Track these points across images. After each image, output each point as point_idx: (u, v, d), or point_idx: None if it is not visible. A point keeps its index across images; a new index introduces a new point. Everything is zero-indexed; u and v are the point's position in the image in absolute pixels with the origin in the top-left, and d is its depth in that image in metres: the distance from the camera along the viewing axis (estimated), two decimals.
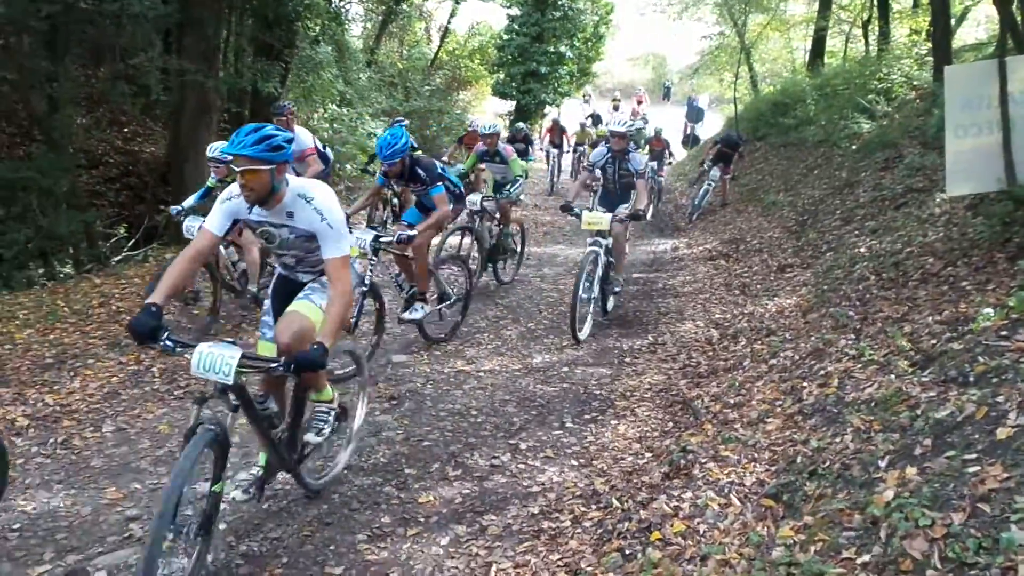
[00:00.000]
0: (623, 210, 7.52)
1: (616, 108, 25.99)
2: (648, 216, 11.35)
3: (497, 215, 8.85)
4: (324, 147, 8.65)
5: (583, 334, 7.27)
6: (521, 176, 8.68)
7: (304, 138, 7.87)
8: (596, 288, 7.26)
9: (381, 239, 6.00)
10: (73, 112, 10.70)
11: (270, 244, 3.79)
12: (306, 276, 4.02)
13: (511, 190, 8.56)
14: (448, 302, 7.05)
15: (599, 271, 7.25)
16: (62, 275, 8.98)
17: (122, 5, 9.24)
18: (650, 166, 14.40)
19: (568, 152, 20.21)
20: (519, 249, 9.64)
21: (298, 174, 7.78)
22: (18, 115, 10.67)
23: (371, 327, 6.50)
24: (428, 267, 6.63)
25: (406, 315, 6.61)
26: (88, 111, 12.07)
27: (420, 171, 6.35)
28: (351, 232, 5.09)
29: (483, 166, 9.49)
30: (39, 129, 9.89)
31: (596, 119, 23.36)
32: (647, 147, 15.73)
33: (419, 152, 8.04)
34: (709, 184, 14.09)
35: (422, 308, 6.62)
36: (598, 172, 8.07)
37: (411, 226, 6.46)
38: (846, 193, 9.92)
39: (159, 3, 9.76)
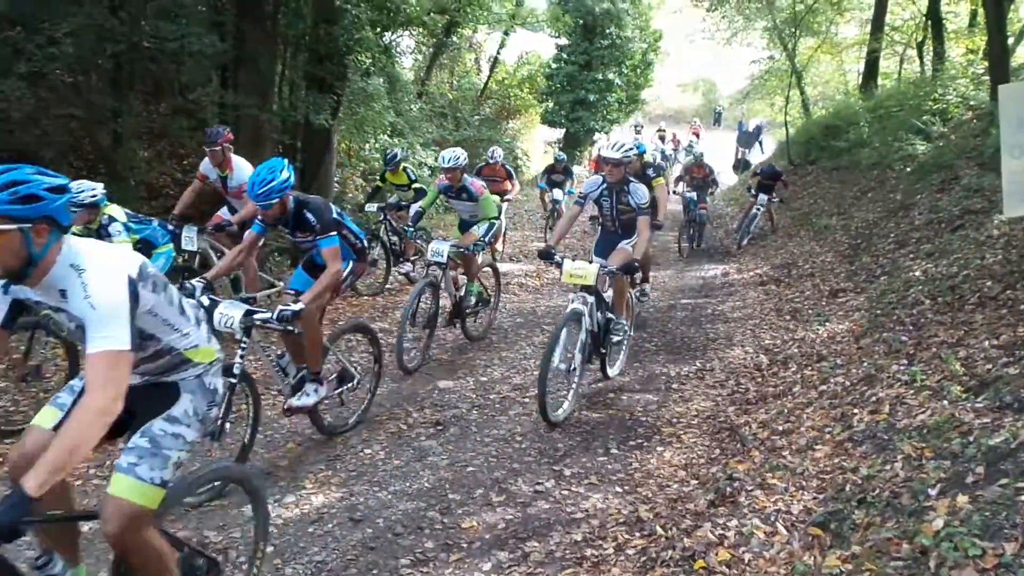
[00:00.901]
0: (615, 259, 6.28)
1: (662, 139, 25.48)
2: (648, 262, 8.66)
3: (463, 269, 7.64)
4: None
5: (560, 413, 5.75)
6: (495, 218, 7.50)
7: (245, 172, 6.74)
8: (580, 356, 5.82)
9: (255, 315, 4.52)
10: (136, 146, 11.13)
11: (66, 337, 3.14)
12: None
13: (479, 241, 7.30)
14: (350, 383, 5.53)
15: (583, 335, 5.81)
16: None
17: (182, 43, 9.64)
18: (689, 197, 14.19)
19: None
20: (493, 299, 8.40)
21: (232, 209, 7.32)
22: (84, 149, 11.13)
23: (246, 429, 4.83)
24: (322, 342, 5.23)
25: (295, 401, 5.08)
26: (149, 145, 12.51)
27: (309, 216, 4.93)
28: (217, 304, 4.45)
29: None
30: (104, 162, 10.30)
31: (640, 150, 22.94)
32: (688, 175, 14.73)
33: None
34: (757, 209, 13.94)
35: (315, 391, 5.14)
36: (591, 206, 6.88)
37: (297, 294, 5.19)
38: (900, 216, 9.73)
39: (216, 40, 10.16)
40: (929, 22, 15.77)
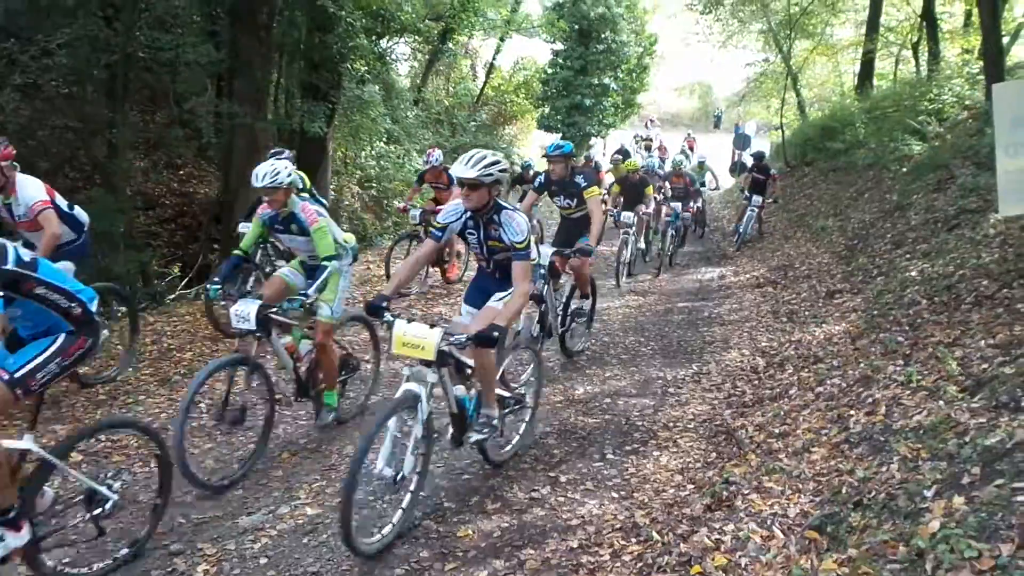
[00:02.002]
0: (476, 321, 4.59)
1: (648, 149, 24.15)
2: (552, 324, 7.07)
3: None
4: (71, 207, 6.19)
5: (376, 541, 4.02)
6: (332, 258, 5.22)
7: (31, 189, 5.68)
8: (415, 458, 4.13)
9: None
10: (131, 156, 11.14)
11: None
12: None
13: (299, 296, 5.10)
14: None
15: (418, 429, 4.08)
16: (118, 314, 9.26)
17: (177, 53, 9.66)
18: (673, 208, 13.26)
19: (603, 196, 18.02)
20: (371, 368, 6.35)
21: (29, 245, 5.36)
22: (79, 160, 11.12)
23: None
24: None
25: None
26: (145, 155, 12.53)
27: None
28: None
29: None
30: (99, 173, 10.30)
31: (625, 154, 19.05)
32: (668, 185, 13.83)
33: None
34: (752, 210, 13.99)
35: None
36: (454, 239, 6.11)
37: None
38: (897, 216, 9.71)
39: (211, 50, 10.19)
40: (924, 22, 15.78)
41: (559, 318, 7.13)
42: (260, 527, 4.29)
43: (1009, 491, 2.86)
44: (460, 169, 4.26)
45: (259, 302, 4.92)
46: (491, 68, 26.80)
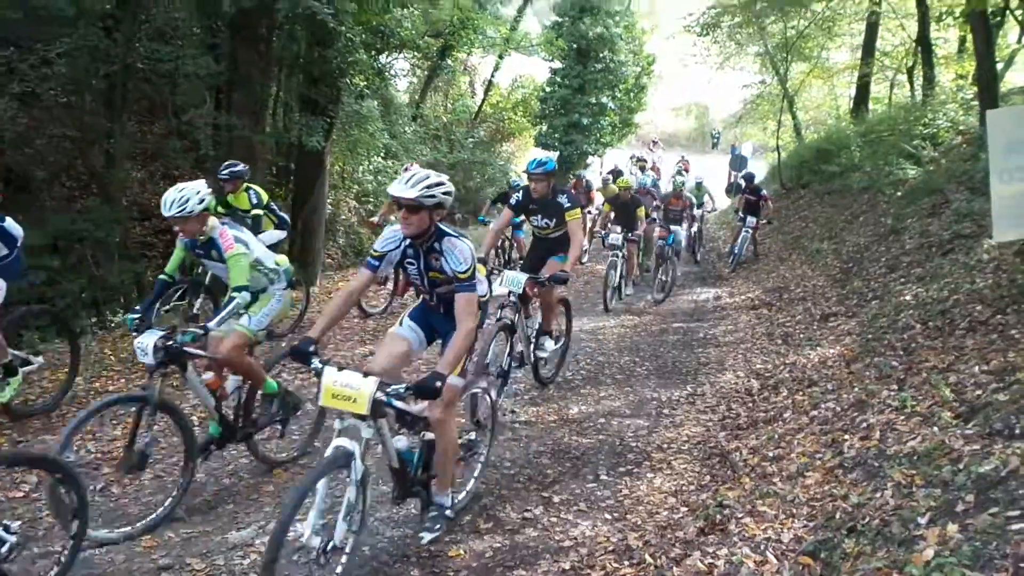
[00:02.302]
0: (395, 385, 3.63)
1: (642, 170, 23.71)
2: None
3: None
4: (2, 218, 5.82)
5: None
6: (242, 289, 4.74)
7: None
8: (347, 525, 3.58)
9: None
10: (129, 167, 11.14)
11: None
12: None
13: (197, 328, 4.63)
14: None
15: (353, 492, 3.55)
16: (112, 324, 9.22)
17: (176, 65, 9.69)
18: (673, 231, 12.43)
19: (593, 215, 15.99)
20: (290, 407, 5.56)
21: None
22: (77, 170, 11.12)
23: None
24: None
25: None
26: (143, 166, 12.53)
27: None
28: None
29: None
30: (96, 183, 10.29)
31: (617, 174, 18.57)
32: (665, 207, 13.27)
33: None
34: (746, 232, 14.05)
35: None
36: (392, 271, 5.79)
37: None
38: (891, 240, 9.75)
39: (211, 62, 10.22)
40: (919, 48, 15.91)
41: (531, 345, 6.82)
42: (250, 543, 4.24)
43: (1003, 520, 2.85)
44: (398, 188, 3.78)
45: (159, 333, 4.43)
46: (489, 85, 26.95)
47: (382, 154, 16.40)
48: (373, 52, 13.16)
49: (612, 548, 4.27)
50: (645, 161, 25.13)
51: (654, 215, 13.24)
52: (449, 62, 22.11)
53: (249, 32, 10.40)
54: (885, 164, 12.62)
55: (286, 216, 8.49)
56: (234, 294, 4.72)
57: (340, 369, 3.52)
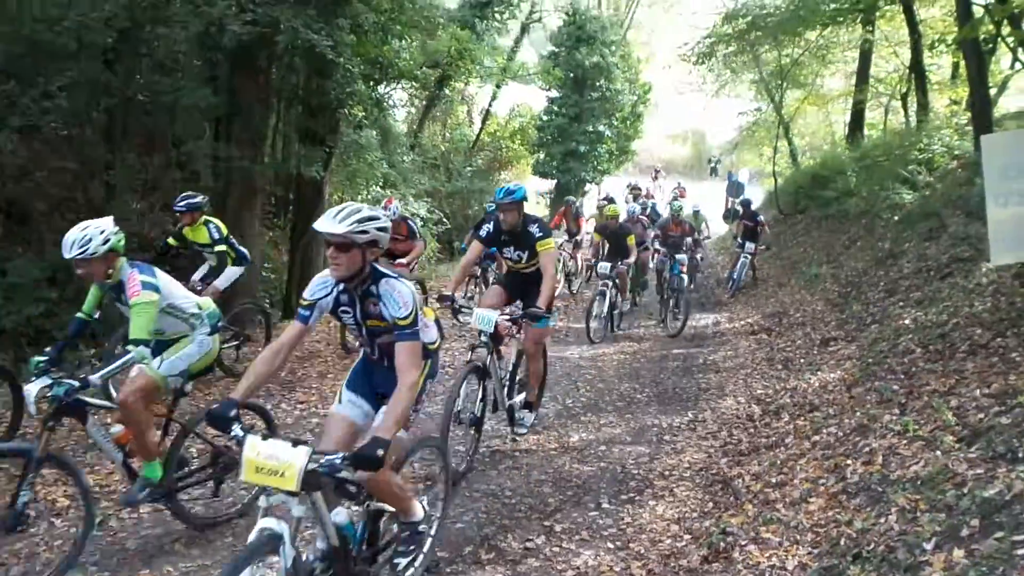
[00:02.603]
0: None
1: (635, 198, 23.00)
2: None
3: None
4: None
5: None
6: (141, 342, 4.28)
7: None
8: None
9: None
10: (129, 198, 11.16)
11: None
12: None
13: (93, 380, 4.27)
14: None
15: None
16: None
17: (176, 97, 9.76)
18: (678, 259, 11.75)
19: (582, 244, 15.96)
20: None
21: None
22: (77, 201, 11.14)
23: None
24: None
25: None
26: (142, 197, 12.55)
27: None
28: None
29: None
30: (96, 215, 10.27)
31: (609, 201, 18.41)
32: (663, 234, 12.56)
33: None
34: (745, 257, 14.11)
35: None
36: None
37: None
38: (889, 264, 9.77)
39: (209, 94, 10.28)
40: (913, 74, 16.07)
41: (505, 388, 6.19)
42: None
43: (1009, 544, 2.83)
44: (325, 224, 3.34)
45: (46, 381, 4.07)
46: (487, 114, 27.12)
47: (380, 183, 16.43)
48: (371, 83, 13.25)
49: None
50: (639, 189, 25.13)
51: (647, 243, 13.22)
52: (447, 92, 22.25)
53: (248, 64, 10.48)
54: (881, 189, 12.67)
55: (246, 251, 8.10)
56: (130, 347, 4.24)
57: (265, 438, 3.01)
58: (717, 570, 3.93)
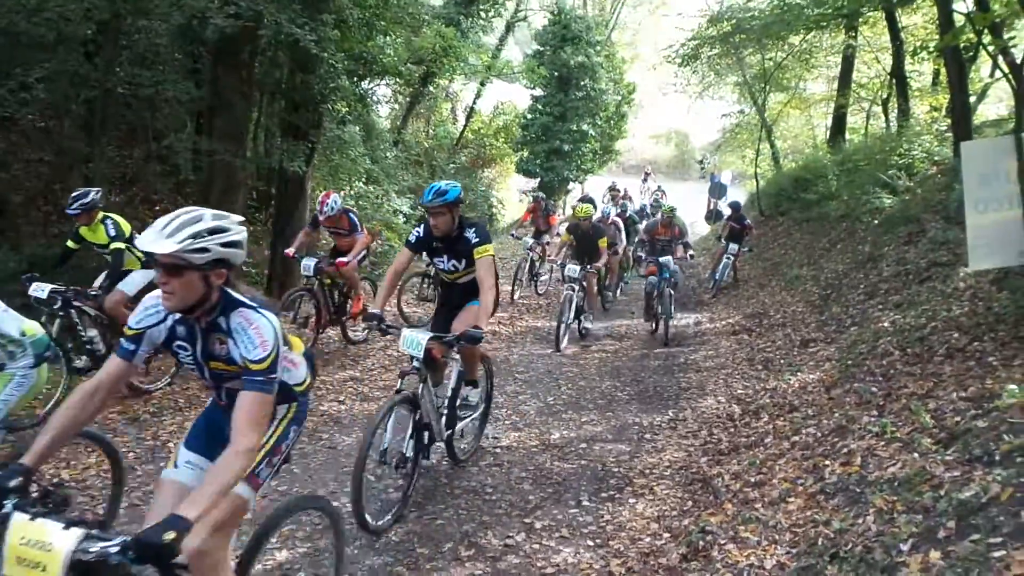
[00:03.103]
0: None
1: (613, 199, 22.11)
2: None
3: None
4: None
5: None
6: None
7: None
8: None
9: None
10: (107, 191, 11.05)
11: None
12: None
13: None
14: None
15: None
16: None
17: (157, 89, 9.67)
18: (663, 263, 10.79)
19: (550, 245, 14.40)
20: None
21: None
22: (55, 194, 11.02)
23: None
24: None
25: None
26: (122, 190, 12.44)
27: None
28: None
29: None
30: None
31: (587, 201, 16.35)
32: (650, 239, 11.51)
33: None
34: (728, 258, 14.20)
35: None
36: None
37: None
38: (869, 267, 9.86)
39: (192, 87, 10.20)
40: (894, 80, 16.21)
41: (443, 418, 5.37)
42: None
43: (985, 547, 2.86)
44: (150, 239, 2.56)
45: None
46: (471, 112, 27.14)
47: (364, 179, 16.38)
48: (355, 78, 13.18)
49: (595, 575, 4.25)
50: (618, 191, 24.82)
51: (616, 246, 12.77)
52: (431, 89, 22.24)
53: (231, 57, 10.40)
54: (862, 193, 12.78)
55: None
56: None
57: (34, 517, 2.28)
58: (696, 568, 3.95)
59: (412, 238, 5.37)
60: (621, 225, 13.85)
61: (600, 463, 6.06)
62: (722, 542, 4.13)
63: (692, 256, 12.87)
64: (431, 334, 4.93)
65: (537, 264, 14.05)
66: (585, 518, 5.06)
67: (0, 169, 9.71)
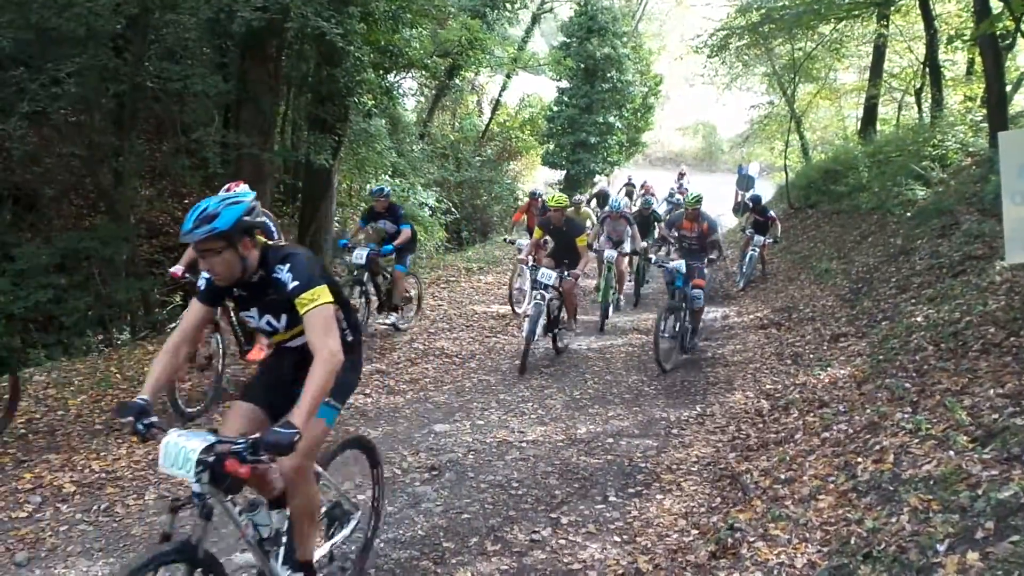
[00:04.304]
0: None
1: (630, 195, 21.58)
2: None
3: None
4: None
5: None
6: None
7: None
8: None
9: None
10: (137, 184, 11.16)
11: None
12: None
13: None
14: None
15: None
16: (119, 341, 9.20)
17: (185, 84, 9.72)
18: (674, 267, 9.00)
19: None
20: None
21: None
22: (85, 187, 11.15)
23: None
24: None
25: None
26: (151, 183, 12.58)
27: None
28: None
29: None
30: (104, 201, 10.32)
31: (604, 198, 17.27)
32: (676, 233, 9.75)
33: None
34: (754, 250, 14.01)
35: None
36: None
37: None
38: (901, 261, 9.69)
39: (219, 81, 10.25)
40: (927, 70, 15.94)
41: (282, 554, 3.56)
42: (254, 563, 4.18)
43: None
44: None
45: None
46: (497, 104, 27.05)
47: (390, 172, 16.41)
48: (381, 71, 13.20)
49: (622, 572, 4.21)
50: (633, 186, 23.92)
51: (625, 245, 11.60)
52: (457, 81, 22.20)
53: (258, 51, 10.44)
54: (894, 185, 12.57)
55: None
56: None
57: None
58: (725, 566, 3.90)
59: (201, 284, 3.32)
60: (631, 219, 12.18)
61: (627, 458, 6.02)
62: (751, 539, 4.08)
63: (724, 258, 12.07)
64: (212, 438, 2.81)
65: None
66: (612, 514, 5.03)
67: (32, 163, 9.82)
